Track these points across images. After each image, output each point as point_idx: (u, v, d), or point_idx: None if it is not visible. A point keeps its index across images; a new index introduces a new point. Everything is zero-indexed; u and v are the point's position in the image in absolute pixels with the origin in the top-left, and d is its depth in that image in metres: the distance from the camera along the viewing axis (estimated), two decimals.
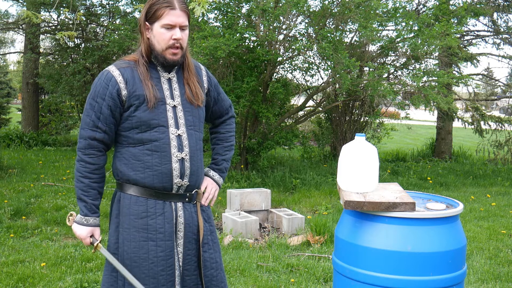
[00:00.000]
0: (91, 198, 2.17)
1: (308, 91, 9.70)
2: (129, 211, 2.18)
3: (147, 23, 2.16)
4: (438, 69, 9.04)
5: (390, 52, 8.68)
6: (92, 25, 12.68)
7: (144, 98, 2.13)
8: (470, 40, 11.74)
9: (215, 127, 2.49)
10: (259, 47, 7.67)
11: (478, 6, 9.47)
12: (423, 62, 8.79)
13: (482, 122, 10.90)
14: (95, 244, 2.20)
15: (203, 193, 2.34)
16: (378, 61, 9.06)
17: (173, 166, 2.16)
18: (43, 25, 12.62)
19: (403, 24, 8.00)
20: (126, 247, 2.17)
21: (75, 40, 12.08)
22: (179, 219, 2.22)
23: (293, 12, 7.69)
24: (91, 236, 2.21)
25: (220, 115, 2.47)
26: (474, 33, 11.90)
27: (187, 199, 2.24)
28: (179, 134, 2.18)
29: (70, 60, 12.60)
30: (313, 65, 8.37)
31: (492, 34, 11.59)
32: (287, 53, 8.24)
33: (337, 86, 8.84)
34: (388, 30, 10.68)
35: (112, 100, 2.13)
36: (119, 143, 2.21)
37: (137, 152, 2.15)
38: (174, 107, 2.20)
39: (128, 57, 2.23)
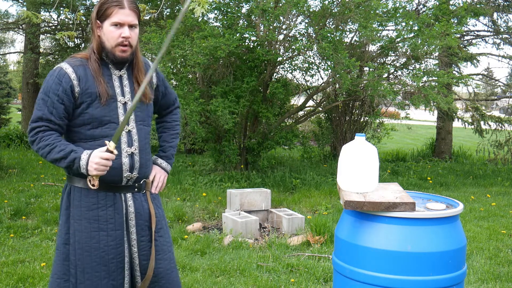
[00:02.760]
0: (71, 148, 2.16)
1: (308, 91, 9.69)
2: (80, 203, 2.26)
3: (98, 21, 2.22)
4: (438, 69, 9.04)
5: (390, 52, 8.67)
6: None
7: (97, 95, 2.20)
8: (470, 40, 11.73)
9: (161, 117, 2.60)
10: (259, 47, 7.66)
11: (478, 6, 9.46)
12: (423, 62, 8.79)
13: (482, 122, 10.88)
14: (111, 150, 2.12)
15: (152, 181, 2.42)
16: (378, 61, 9.05)
17: (123, 161, 2.25)
18: (43, 25, 12.62)
19: (403, 24, 7.99)
20: (77, 237, 2.25)
21: (75, 40, 12.08)
22: (130, 209, 2.31)
23: (293, 12, 7.68)
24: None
25: (167, 107, 2.58)
26: (474, 33, 11.89)
27: (136, 189, 2.33)
28: (129, 130, 2.27)
29: None
30: (313, 65, 8.36)
31: (492, 34, 11.58)
32: (287, 53, 8.23)
33: (337, 86, 8.84)
34: (388, 30, 10.69)
35: (66, 96, 2.18)
36: (70, 138, 2.27)
37: (88, 147, 2.21)
38: (125, 103, 2.28)
39: (79, 54, 2.29)
